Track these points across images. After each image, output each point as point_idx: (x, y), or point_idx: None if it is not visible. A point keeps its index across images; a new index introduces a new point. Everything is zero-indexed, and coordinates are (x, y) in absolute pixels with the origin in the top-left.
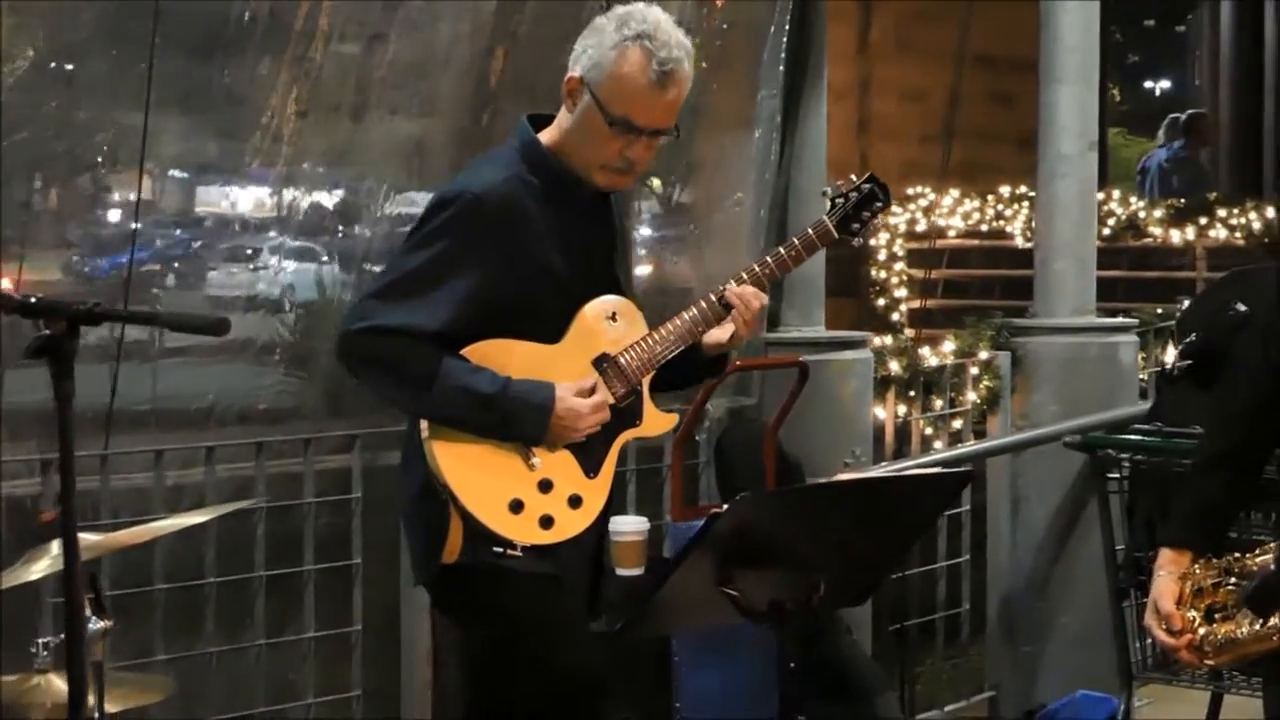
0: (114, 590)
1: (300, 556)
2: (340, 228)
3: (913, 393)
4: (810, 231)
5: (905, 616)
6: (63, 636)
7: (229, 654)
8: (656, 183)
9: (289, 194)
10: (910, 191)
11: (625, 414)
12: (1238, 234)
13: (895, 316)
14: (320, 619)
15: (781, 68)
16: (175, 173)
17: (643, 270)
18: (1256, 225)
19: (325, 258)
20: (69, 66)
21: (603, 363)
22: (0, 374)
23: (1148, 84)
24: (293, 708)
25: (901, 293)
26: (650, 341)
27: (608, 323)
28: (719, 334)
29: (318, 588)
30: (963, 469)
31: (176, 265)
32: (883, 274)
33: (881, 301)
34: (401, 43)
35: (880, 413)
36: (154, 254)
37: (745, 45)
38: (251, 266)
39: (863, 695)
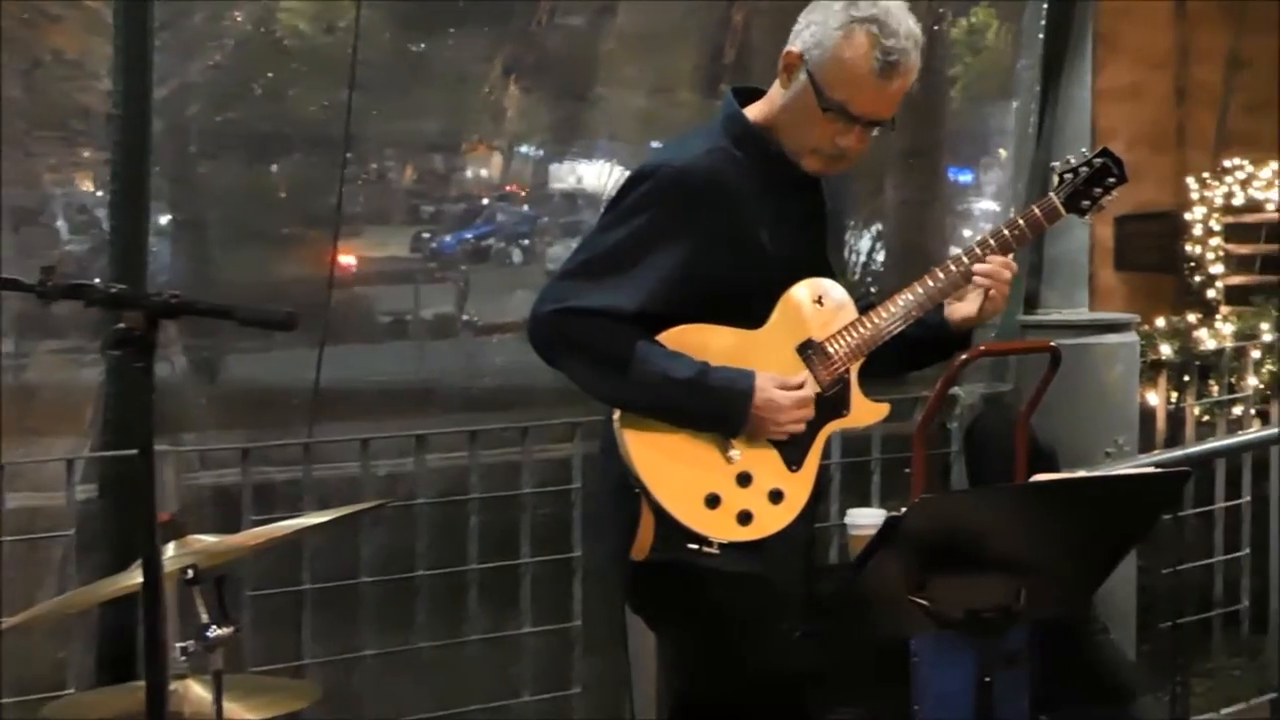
0: (316, 584)
1: (517, 549)
2: None
3: (1187, 378)
4: (1036, 209)
5: (1179, 613)
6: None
7: (442, 650)
8: (1004, 153)
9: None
10: (1227, 164)
11: (832, 403)
12: None
13: (1211, 293)
14: (539, 614)
15: (1041, 35)
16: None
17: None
18: None
19: None
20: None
21: (808, 349)
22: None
23: None
24: (510, 705)
25: (1218, 269)
26: (860, 328)
27: (814, 307)
28: (966, 308)
29: (535, 581)
30: (1178, 469)
31: (523, 241)
32: (1198, 249)
33: (1197, 278)
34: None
35: (1152, 399)
36: (497, 229)
37: (1002, 12)
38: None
39: (1119, 698)
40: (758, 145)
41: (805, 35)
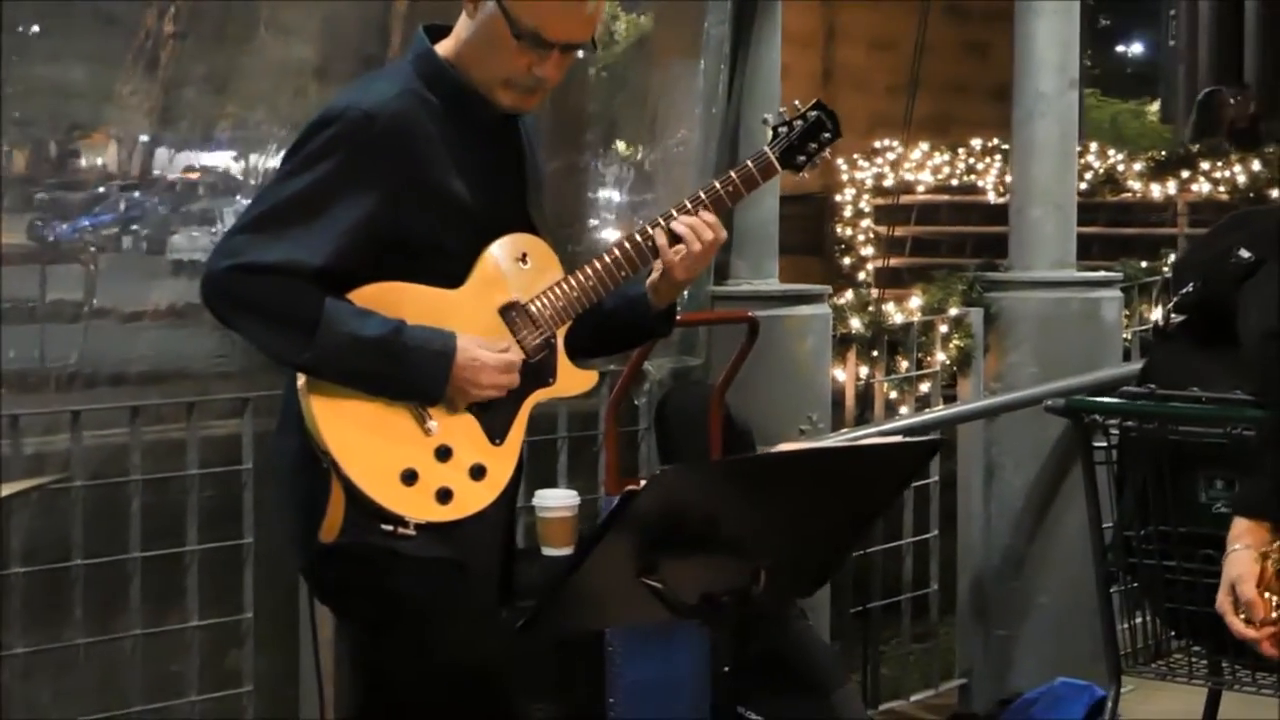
0: None
1: (182, 535)
2: None
3: (876, 353)
4: (750, 164)
5: (868, 598)
6: None
7: (100, 646)
8: (623, 146)
9: (255, 158)
10: (878, 145)
11: (537, 371)
12: (1221, 188)
13: (861, 275)
14: (206, 605)
15: None
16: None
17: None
18: (1241, 178)
19: None
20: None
21: (511, 311)
22: None
23: (1119, 48)
24: (175, 705)
25: (868, 250)
26: (566, 287)
27: (517, 265)
28: (658, 276)
29: (202, 570)
30: (929, 438)
31: (136, 229)
32: (848, 230)
33: (847, 260)
34: None
35: (840, 374)
36: (117, 218)
37: (629, 6)
38: (213, 230)
39: (818, 687)
40: (451, 86)
41: None
